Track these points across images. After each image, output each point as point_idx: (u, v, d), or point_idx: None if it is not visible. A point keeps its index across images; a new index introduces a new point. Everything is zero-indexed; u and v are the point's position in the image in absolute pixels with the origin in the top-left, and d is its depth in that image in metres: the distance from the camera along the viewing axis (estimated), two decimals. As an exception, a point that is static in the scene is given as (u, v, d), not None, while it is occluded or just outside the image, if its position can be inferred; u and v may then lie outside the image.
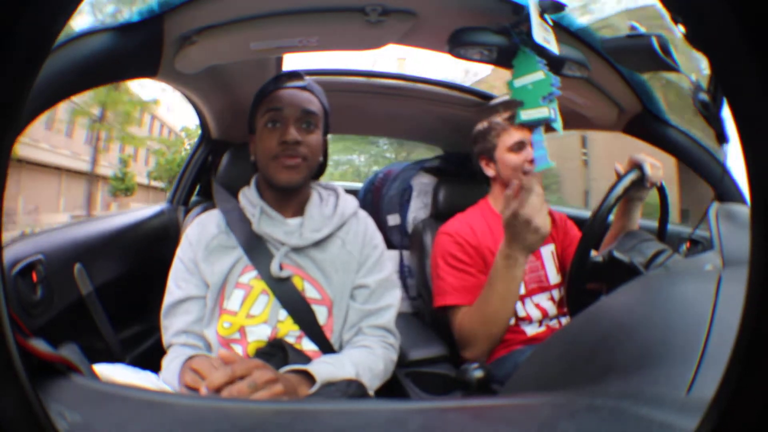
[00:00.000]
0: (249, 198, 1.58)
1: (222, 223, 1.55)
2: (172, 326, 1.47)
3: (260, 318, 1.44)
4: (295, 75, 1.57)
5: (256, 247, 1.49)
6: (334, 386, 1.27)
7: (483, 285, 1.89)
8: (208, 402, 0.83)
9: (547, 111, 1.41)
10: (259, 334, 1.43)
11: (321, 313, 1.47)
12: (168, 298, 1.49)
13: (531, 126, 1.48)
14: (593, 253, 1.60)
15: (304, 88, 1.56)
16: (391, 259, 1.65)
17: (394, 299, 1.60)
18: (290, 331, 1.44)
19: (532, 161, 1.92)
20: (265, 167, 1.53)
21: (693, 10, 0.43)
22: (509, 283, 1.63)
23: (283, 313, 1.45)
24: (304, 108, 1.51)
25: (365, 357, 1.44)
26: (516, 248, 1.56)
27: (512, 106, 1.48)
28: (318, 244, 1.52)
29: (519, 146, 1.98)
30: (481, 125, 2.15)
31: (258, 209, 1.52)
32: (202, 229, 1.55)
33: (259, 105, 1.57)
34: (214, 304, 1.46)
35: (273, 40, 1.53)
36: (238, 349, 1.41)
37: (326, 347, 1.46)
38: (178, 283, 1.50)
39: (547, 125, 1.46)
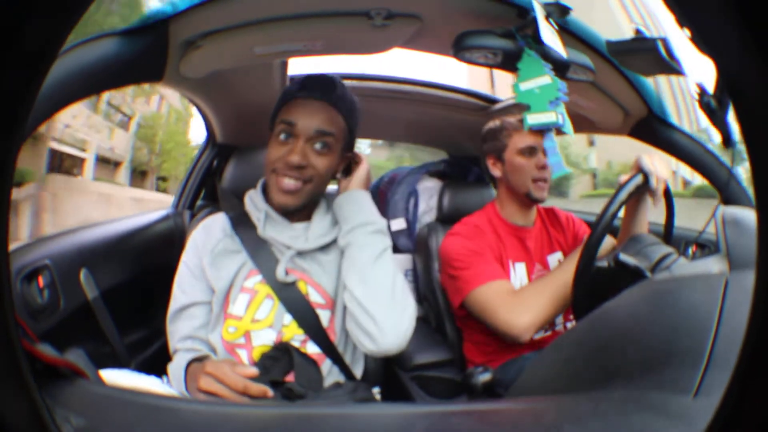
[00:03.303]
0: (254, 201, 1.56)
1: (227, 226, 1.54)
2: (178, 332, 1.46)
3: (265, 322, 1.44)
4: (324, 84, 1.51)
5: (261, 252, 1.48)
6: (342, 388, 1.27)
7: (502, 268, 1.89)
8: (212, 407, 0.83)
9: (555, 116, 1.40)
10: (264, 339, 1.42)
11: (324, 317, 1.47)
12: (173, 304, 1.48)
13: (541, 131, 1.48)
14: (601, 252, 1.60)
15: (328, 102, 1.48)
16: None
17: None
18: (295, 335, 1.44)
19: (542, 167, 1.91)
20: (267, 178, 1.50)
21: (698, 14, 0.43)
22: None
23: (287, 318, 1.44)
24: (319, 128, 1.45)
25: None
26: None
27: (523, 108, 1.47)
28: (323, 247, 1.52)
29: (530, 151, 1.95)
30: (493, 123, 2.11)
31: (263, 213, 1.51)
32: (207, 234, 1.54)
33: (281, 107, 1.51)
34: (220, 309, 1.45)
35: (277, 44, 1.53)
36: (243, 354, 1.41)
37: (330, 350, 1.46)
38: (183, 289, 1.49)
39: (558, 130, 1.46)
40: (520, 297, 1.76)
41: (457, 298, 1.94)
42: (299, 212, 1.53)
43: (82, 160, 23.81)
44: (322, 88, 1.49)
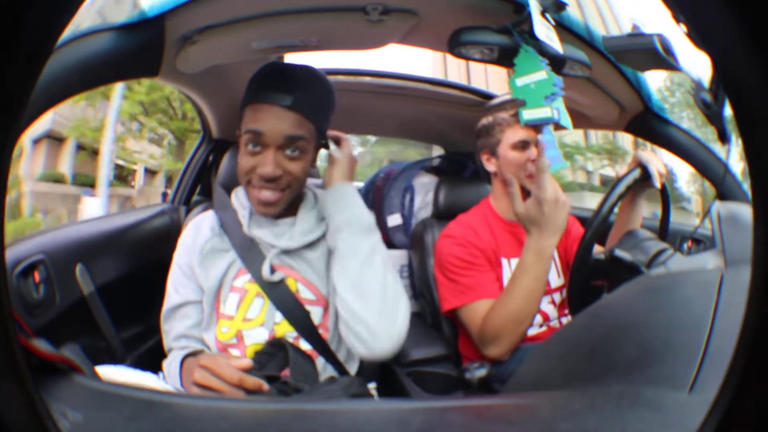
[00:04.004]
0: (240, 199, 1.54)
1: (216, 225, 1.53)
2: (172, 330, 1.46)
3: (256, 321, 1.44)
4: (285, 80, 1.42)
5: (248, 250, 1.47)
6: (336, 383, 1.27)
7: (493, 280, 1.89)
8: (208, 402, 0.83)
9: (550, 111, 1.40)
10: (257, 338, 1.42)
11: (316, 313, 1.46)
12: (167, 303, 1.49)
13: (536, 126, 1.48)
14: (597, 249, 1.60)
15: (290, 108, 1.38)
16: (391, 260, 1.63)
17: None
18: (287, 333, 1.43)
19: (534, 161, 1.91)
20: (243, 186, 1.48)
21: (694, 9, 0.43)
22: (539, 276, 1.63)
23: (279, 316, 1.44)
24: (288, 134, 1.37)
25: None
26: (548, 234, 1.57)
27: (519, 103, 1.47)
28: (310, 244, 1.50)
29: (523, 145, 1.95)
30: (486, 120, 2.11)
31: (248, 211, 1.49)
32: (196, 233, 1.53)
33: (244, 109, 1.44)
34: (211, 309, 1.45)
35: (274, 39, 1.52)
36: (237, 354, 1.41)
37: (322, 347, 1.45)
38: (176, 288, 1.49)
39: (556, 124, 1.46)
40: (487, 327, 1.77)
41: (444, 305, 1.97)
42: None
43: (134, 171, 28.27)
44: (283, 90, 1.39)
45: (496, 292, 1.86)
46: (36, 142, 19.45)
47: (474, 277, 1.89)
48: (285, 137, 1.37)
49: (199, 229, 1.54)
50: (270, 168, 1.36)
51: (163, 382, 1.30)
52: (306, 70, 1.46)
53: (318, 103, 1.45)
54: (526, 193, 1.96)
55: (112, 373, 1.07)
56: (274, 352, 1.36)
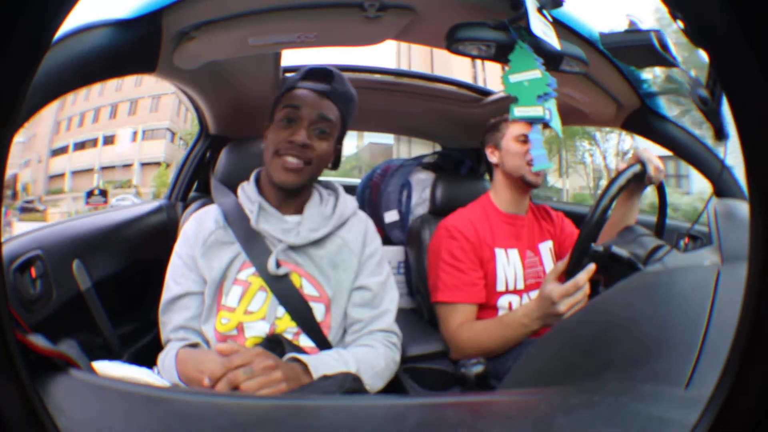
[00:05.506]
0: (248, 194, 1.56)
1: (220, 218, 1.54)
2: (171, 322, 1.46)
3: (258, 314, 1.44)
4: (325, 75, 1.56)
5: (254, 244, 1.48)
6: (331, 380, 1.27)
7: (474, 282, 1.95)
8: (205, 397, 0.83)
9: (542, 110, 1.40)
10: (257, 331, 1.43)
11: (318, 310, 1.47)
12: (166, 294, 1.48)
13: (529, 123, 1.48)
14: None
15: (325, 94, 1.54)
16: (388, 256, 1.64)
17: (393, 303, 1.60)
18: (288, 328, 1.44)
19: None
20: (268, 162, 1.52)
21: (692, 5, 0.43)
22: (518, 335, 1.76)
23: (281, 310, 1.44)
24: (321, 113, 1.50)
25: (366, 354, 1.44)
26: (536, 317, 1.67)
27: (512, 100, 1.48)
28: (316, 242, 1.51)
29: (524, 138, 2.04)
30: (495, 119, 2.21)
31: (256, 205, 1.51)
32: (199, 225, 1.54)
33: (281, 96, 1.55)
34: (212, 300, 1.45)
35: (271, 35, 1.52)
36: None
37: (323, 344, 1.46)
38: (176, 279, 1.49)
39: (545, 124, 1.46)
40: (462, 334, 1.92)
41: (432, 296, 2.06)
42: (292, 203, 1.54)
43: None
44: (322, 81, 1.53)
45: (475, 296, 1.96)
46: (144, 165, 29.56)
47: (454, 277, 1.97)
48: (318, 114, 1.50)
49: (203, 221, 1.55)
50: (302, 136, 1.47)
51: (158, 376, 1.30)
52: (340, 73, 1.61)
53: (346, 98, 1.58)
54: (525, 184, 2.03)
55: (108, 368, 1.07)
56: (270, 347, 1.36)
